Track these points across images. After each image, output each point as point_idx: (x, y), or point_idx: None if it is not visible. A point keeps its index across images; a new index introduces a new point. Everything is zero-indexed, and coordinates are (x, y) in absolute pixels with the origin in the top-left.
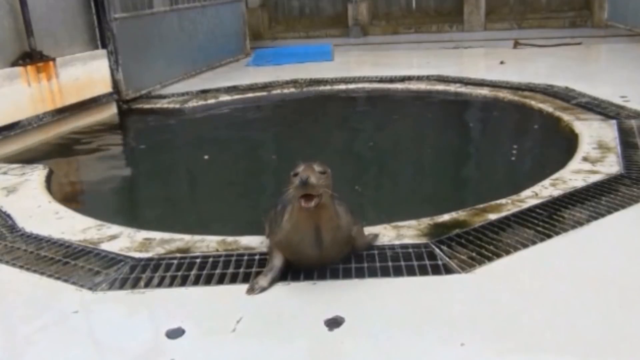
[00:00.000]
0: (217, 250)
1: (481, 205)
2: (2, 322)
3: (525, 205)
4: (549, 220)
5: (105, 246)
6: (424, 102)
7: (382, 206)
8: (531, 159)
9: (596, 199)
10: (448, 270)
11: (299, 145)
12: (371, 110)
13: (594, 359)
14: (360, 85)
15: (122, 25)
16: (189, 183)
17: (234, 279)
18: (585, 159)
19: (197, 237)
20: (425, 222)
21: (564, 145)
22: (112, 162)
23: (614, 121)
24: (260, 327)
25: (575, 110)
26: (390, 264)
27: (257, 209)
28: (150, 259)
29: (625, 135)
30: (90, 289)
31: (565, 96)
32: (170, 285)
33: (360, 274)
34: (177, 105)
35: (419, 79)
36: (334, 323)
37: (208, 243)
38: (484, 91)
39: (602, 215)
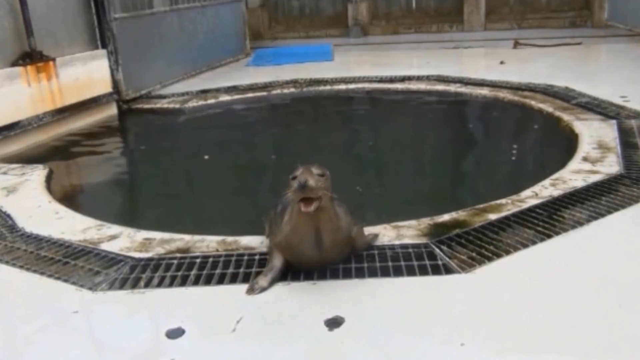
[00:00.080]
0: (217, 250)
1: (481, 205)
2: (2, 322)
3: (525, 205)
4: (549, 220)
5: (105, 246)
6: (424, 102)
7: (382, 206)
8: (531, 159)
9: (596, 199)
10: (448, 270)
11: (299, 145)
12: (371, 110)
13: (594, 359)
14: (360, 85)
15: (122, 25)
16: (189, 183)
17: (234, 279)
18: (585, 159)
19: (197, 237)
20: (425, 222)
21: (564, 145)
22: (112, 162)
23: (614, 121)
24: (260, 327)
25: (575, 110)
26: (390, 264)
27: (257, 209)
28: (150, 259)
29: (625, 135)
30: (90, 289)
31: (565, 96)
32: (170, 285)
33: (360, 274)
34: (177, 105)
35: (419, 79)
36: (334, 323)
37: (208, 243)
38: (484, 91)
39: (602, 215)
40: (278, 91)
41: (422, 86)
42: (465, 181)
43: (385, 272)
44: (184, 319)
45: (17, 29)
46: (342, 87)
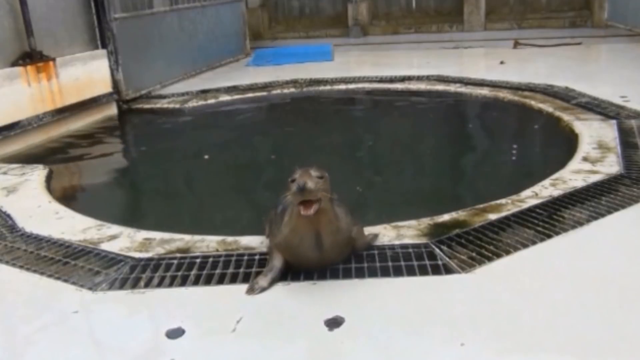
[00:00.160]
0: (217, 250)
1: (481, 205)
2: (2, 322)
3: (525, 205)
4: (549, 220)
5: (105, 246)
6: (424, 102)
7: (382, 206)
8: (531, 159)
9: (596, 199)
10: (448, 270)
11: (299, 145)
12: (371, 110)
13: (594, 359)
14: (360, 85)
15: (122, 25)
16: (189, 183)
17: (234, 279)
18: (585, 159)
19: (197, 237)
20: (425, 222)
21: (564, 145)
22: (112, 162)
23: (614, 121)
24: (260, 327)
25: (575, 110)
26: (390, 264)
27: (257, 209)
28: (150, 259)
29: (625, 135)
30: (90, 289)
31: (565, 96)
32: (170, 285)
33: (360, 274)
34: (177, 105)
35: (419, 79)
36: (334, 323)
37: (208, 243)
38: (484, 91)
39: (602, 215)
40: (278, 91)
41: (422, 86)
42: (465, 181)
43: (385, 272)
44: (184, 319)
45: (17, 29)
46: (342, 87)
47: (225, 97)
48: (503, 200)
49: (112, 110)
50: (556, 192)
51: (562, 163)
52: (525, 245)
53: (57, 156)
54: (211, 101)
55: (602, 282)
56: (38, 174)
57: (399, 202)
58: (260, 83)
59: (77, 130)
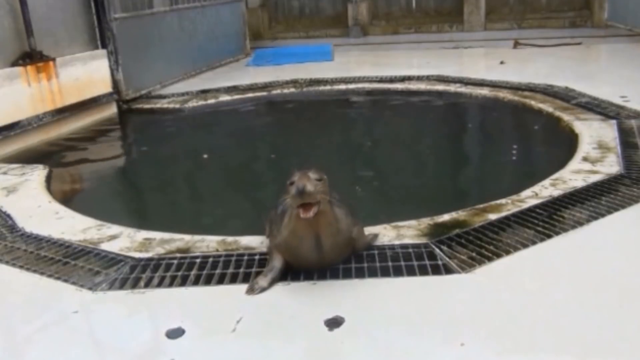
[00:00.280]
0: (217, 250)
1: (481, 205)
2: (2, 322)
3: (525, 205)
4: (549, 220)
5: (105, 246)
6: (424, 102)
7: (382, 206)
8: (531, 159)
9: (596, 199)
10: (448, 270)
11: (299, 145)
12: (371, 110)
13: (594, 359)
14: (360, 85)
15: (122, 25)
16: (189, 183)
17: (234, 279)
18: (585, 159)
19: (197, 237)
20: (425, 222)
21: (564, 145)
22: (112, 162)
23: (614, 121)
24: (260, 327)
25: (575, 110)
26: (390, 264)
27: (257, 209)
28: (150, 259)
29: (625, 135)
30: (90, 289)
31: (565, 96)
32: (170, 285)
33: (360, 274)
34: (177, 105)
35: (419, 79)
36: (334, 323)
37: (208, 243)
38: (484, 91)
39: (602, 215)
40: (278, 91)
41: (422, 86)
42: (465, 181)
43: (385, 272)
44: (184, 319)
45: (17, 29)
46: (342, 87)
47: (225, 97)
48: (503, 200)
49: (112, 110)
50: (556, 192)
51: (562, 163)
52: (525, 245)
53: (57, 156)
54: (211, 101)
55: (602, 282)
56: (38, 174)
57: (399, 202)
58: (260, 83)
59: (77, 130)
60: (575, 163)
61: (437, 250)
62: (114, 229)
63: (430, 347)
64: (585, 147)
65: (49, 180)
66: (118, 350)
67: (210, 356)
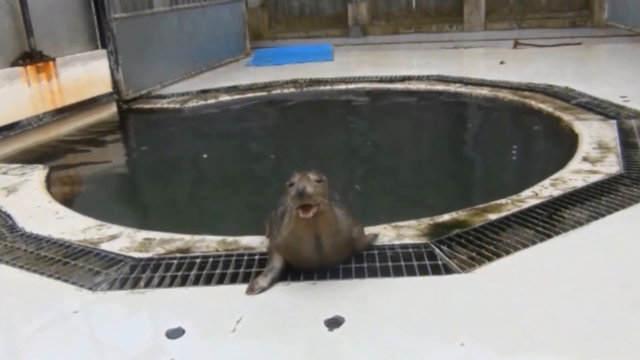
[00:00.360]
0: (217, 250)
1: (481, 205)
2: (2, 322)
3: (525, 205)
4: (549, 220)
5: (105, 246)
6: (424, 102)
7: (382, 206)
8: (531, 159)
9: (596, 199)
10: (448, 270)
11: (299, 145)
12: (371, 110)
13: (594, 359)
14: (360, 85)
15: (122, 25)
16: (188, 183)
17: (234, 279)
18: (585, 159)
19: (197, 237)
20: (425, 222)
21: (564, 145)
22: (112, 162)
23: (614, 121)
24: (260, 327)
25: (575, 110)
26: (390, 264)
27: (257, 209)
28: (150, 259)
29: (625, 135)
30: (90, 289)
31: (565, 96)
32: (170, 285)
33: (360, 274)
34: (177, 105)
35: (419, 79)
36: (334, 323)
37: (208, 243)
38: (484, 91)
39: (602, 215)
40: (278, 91)
41: (422, 86)
42: (465, 181)
43: (385, 272)
44: (184, 319)
45: (17, 29)
46: (342, 87)
47: (225, 97)
48: (503, 200)
49: (112, 110)
50: (556, 192)
51: (562, 163)
52: (525, 245)
53: (57, 156)
54: (211, 101)
55: (602, 282)
56: (38, 174)
57: (399, 202)
58: (260, 83)
59: (77, 130)
60: (575, 163)
61: (437, 250)
62: (114, 229)
63: (430, 347)
64: (585, 147)
65: (49, 180)
66: (118, 350)
67: (210, 356)
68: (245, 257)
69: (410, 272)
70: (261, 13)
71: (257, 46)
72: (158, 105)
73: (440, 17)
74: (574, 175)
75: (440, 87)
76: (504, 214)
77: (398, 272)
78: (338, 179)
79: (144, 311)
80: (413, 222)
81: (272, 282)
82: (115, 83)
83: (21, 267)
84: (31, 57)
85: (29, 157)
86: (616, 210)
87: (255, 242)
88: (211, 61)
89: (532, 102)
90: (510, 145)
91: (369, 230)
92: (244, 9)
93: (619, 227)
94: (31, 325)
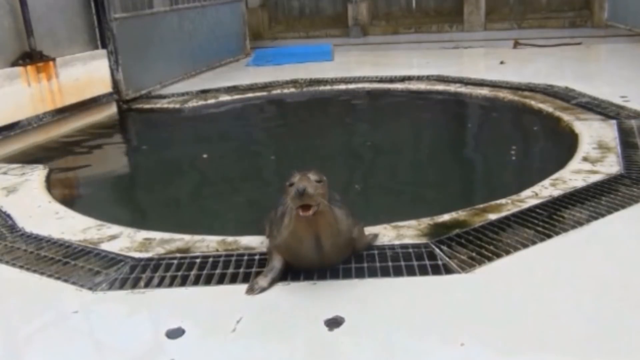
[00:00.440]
0: (217, 250)
1: (481, 205)
2: (2, 322)
3: (525, 205)
4: (549, 220)
5: (105, 246)
6: (424, 102)
7: (382, 206)
8: (531, 159)
9: (596, 199)
10: (448, 270)
11: (299, 145)
12: (371, 110)
13: (594, 359)
14: (360, 85)
15: (122, 25)
16: (189, 183)
17: (234, 279)
18: (585, 159)
19: (197, 237)
20: (425, 222)
21: (564, 145)
22: (112, 162)
23: (614, 121)
24: (260, 327)
25: (575, 110)
26: (390, 264)
27: (257, 209)
28: (150, 259)
29: (625, 135)
30: (90, 289)
31: (565, 96)
32: (170, 285)
33: (360, 274)
34: (177, 105)
35: (419, 79)
36: (334, 323)
37: (208, 243)
38: (484, 91)
39: (602, 215)
40: (278, 91)
41: (422, 86)
42: (465, 181)
43: (385, 272)
44: (184, 319)
45: (17, 29)
46: (342, 87)
47: (225, 97)
48: (503, 200)
49: (112, 110)
50: (556, 192)
51: (562, 163)
52: (525, 245)
53: (57, 156)
54: (211, 101)
55: (602, 282)
56: (38, 174)
57: (399, 202)
58: (260, 83)
59: (77, 131)
60: (575, 163)
61: (437, 250)
62: (114, 229)
63: (430, 347)
64: (585, 147)
65: (49, 180)
66: (118, 350)
67: (210, 356)
68: (245, 257)
69: (410, 272)
70: (261, 13)
71: (257, 46)
72: (158, 105)
73: (440, 17)
74: (574, 175)
75: (440, 87)
76: (504, 214)
77: (398, 272)
78: (338, 179)
79: (144, 311)
80: (413, 222)
81: (272, 282)
82: (115, 83)
83: (21, 267)
84: (31, 57)
85: (29, 157)
86: (616, 210)
87: (255, 242)
88: (211, 61)
89: (532, 102)
90: (510, 145)
91: (369, 230)
92: (244, 9)
93: (619, 227)
94: (31, 325)
